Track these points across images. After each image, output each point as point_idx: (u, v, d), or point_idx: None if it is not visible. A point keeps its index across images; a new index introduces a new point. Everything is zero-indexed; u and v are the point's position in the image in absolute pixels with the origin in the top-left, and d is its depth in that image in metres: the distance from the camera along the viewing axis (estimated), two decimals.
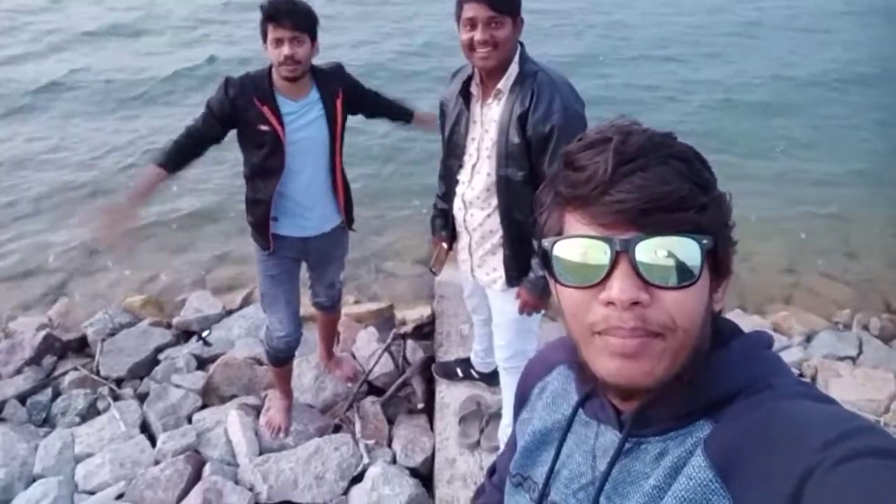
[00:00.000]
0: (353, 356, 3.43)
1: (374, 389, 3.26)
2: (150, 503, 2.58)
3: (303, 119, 2.40)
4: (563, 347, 0.91)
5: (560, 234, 0.69)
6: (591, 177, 0.65)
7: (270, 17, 2.21)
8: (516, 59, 2.00)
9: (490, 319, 2.51)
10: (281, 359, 2.78)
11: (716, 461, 0.63)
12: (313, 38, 2.31)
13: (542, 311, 2.29)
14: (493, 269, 2.26)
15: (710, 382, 0.68)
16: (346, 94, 2.47)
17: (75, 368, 3.36)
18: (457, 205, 2.26)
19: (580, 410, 0.81)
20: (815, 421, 0.60)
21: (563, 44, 9.39)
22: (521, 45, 2.04)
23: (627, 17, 11.11)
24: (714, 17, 11.30)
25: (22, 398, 3.16)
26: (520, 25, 1.97)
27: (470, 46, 1.92)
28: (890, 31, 10.94)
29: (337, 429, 3.00)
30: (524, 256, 2.15)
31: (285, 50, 2.23)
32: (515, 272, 2.20)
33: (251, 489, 2.62)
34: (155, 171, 2.33)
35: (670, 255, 0.63)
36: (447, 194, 2.33)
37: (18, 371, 3.33)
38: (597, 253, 0.65)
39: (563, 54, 8.38)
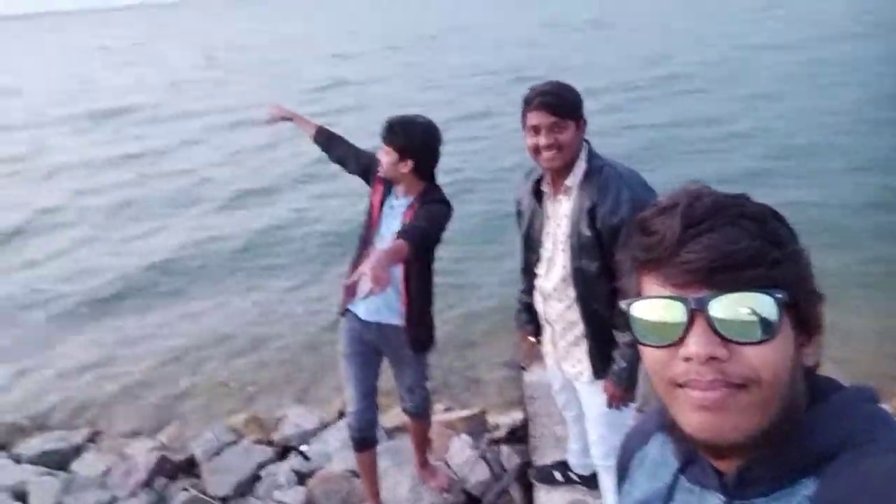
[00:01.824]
0: (447, 465, 3.40)
1: (471, 499, 3.20)
2: None
3: (392, 212, 2.66)
4: (657, 415, 0.92)
5: (637, 296, 0.73)
6: (661, 240, 0.69)
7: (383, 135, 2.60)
8: (583, 156, 2.13)
9: (582, 415, 2.49)
10: (356, 440, 2.87)
11: None
12: (411, 156, 2.59)
13: (634, 403, 2.25)
14: (578, 361, 2.28)
15: (810, 438, 0.68)
16: (418, 210, 2.60)
17: (185, 489, 3.49)
18: (536, 298, 2.36)
19: (681, 477, 0.81)
20: None
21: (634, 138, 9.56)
22: (587, 142, 2.17)
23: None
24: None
25: None
26: (583, 126, 2.12)
27: (536, 150, 2.09)
28: None
29: None
30: (608, 347, 2.17)
31: (384, 165, 2.60)
32: (601, 364, 2.21)
33: None
34: (314, 126, 3.06)
35: (744, 310, 0.65)
36: (529, 288, 2.42)
37: (133, 494, 3.49)
38: (672, 312, 0.68)
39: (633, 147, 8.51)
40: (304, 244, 7.36)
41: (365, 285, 2.11)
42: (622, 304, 0.74)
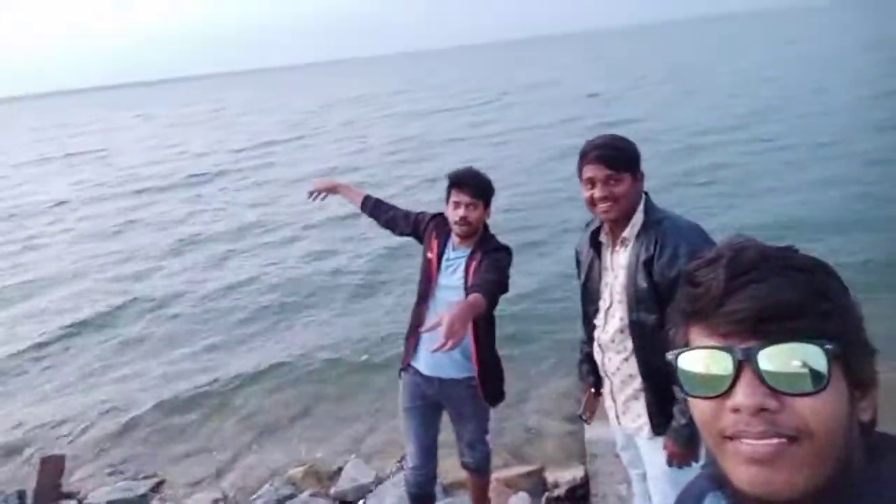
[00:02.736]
0: None
1: None
2: None
3: (452, 264, 2.69)
4: (709, 475, 0.90)
5: (685, 346, 0.73)
6: (707, 290, 0.69)
7: (454, 183, 2.64)
8: (641, 208, 2.12)
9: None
10: (414, 496, 2.86)
11: None
12: (487, 205, 2.68)
13: (697, 462, 2.15)
14: (638, 416, 2.21)
15: (866, 497, 0.66)
16: (480, 261, 2.61)
17: None
18: (595, 349, 2.32)
19: None
20: None
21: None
22: (646, 194, 2.15)
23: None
24: None
25: None
26: (640, 179, 2.11)
27: (591, 202, 2.09)
28: None
29: None
30: (667, 402, 2.11)
31: (461, 212, 2.60)
32: (660, 419, 2.15)
33: None
34: (361, 195, 3.11)
35: (793, 361, 0.65)
36: (589, 339, 2.39)
37: None
38: (719, 363, 0.67)
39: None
40: (364, 292, 7.46)
41: (436, 342, 2.12)
42: (669, 356, 0.73)
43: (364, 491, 3.83)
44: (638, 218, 2.11)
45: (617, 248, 2.18)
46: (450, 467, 3.84)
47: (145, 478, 4.47)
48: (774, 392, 0.65)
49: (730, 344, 0.67)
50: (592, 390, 2.48)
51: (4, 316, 8.00)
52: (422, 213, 2.93)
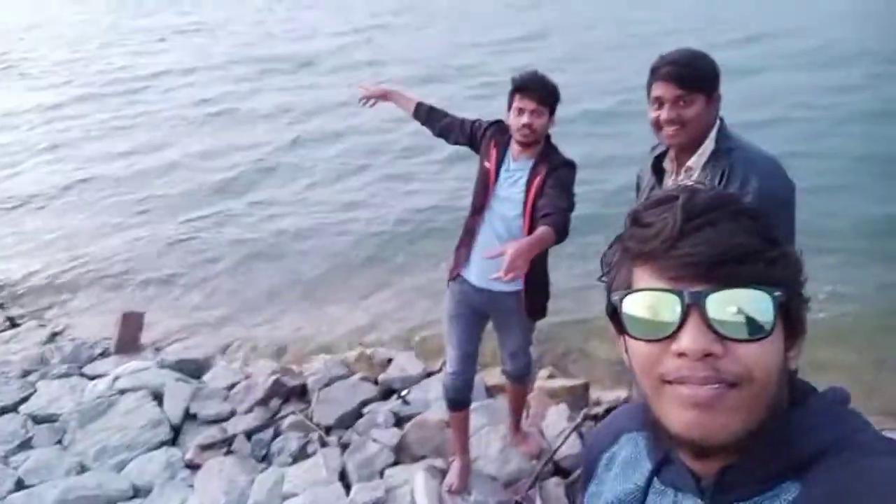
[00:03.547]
0: (542, 433, 3.38)
1: (559, 470, 3.17)
2: None
3: (512, 175, 2.60)
4: (628, 415, 0.91)
5: (629, 289, 0.70)
6: (659, 231, 0.67)
7: (519, 88, 2.50)
8: (713, 135, 1.91)
9: None
10: (451, 399, 2.90)
11: None
12: (552, 112, 2.55)
13: None
14: None
15: (792, 442, 0.67)
16: (546, 176, 2.52)
17: (294, 413, 3.75)
18: None
19: (655, 479, 0.79)
20: None
21: None
22: (721, 119, 1.95)
23: None
24: None
25: (249, 434, 3.59)
26: (716, 101, 1.90)
27: (657, 125, 1.90)
28: None
29: None
30: None
31: (525, 119, 2.48)
32: None
33: None
34: (413, 101, 2.99)
35: (742, 307, 0.64)
36: None
37: (250, 410, 3.81)
38: (667, 306, 0.66)
39: None
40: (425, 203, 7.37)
41: (494, 268, 2.16)
42: (613, 297, 0.72)
43: (410, 382, 3.97)
44: (708, 146, 1.90)
45: (681, 176, 1.98)
46: (496, 371, 3.92)
47: (215, 341, 4.81)
48: (720, 337, 0.64)
49: (679, 287, 0.66)
50: None
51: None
52: (477, 120, 2.81)
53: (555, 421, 3.43)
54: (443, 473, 3.14)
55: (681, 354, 0.65)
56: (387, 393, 3.95)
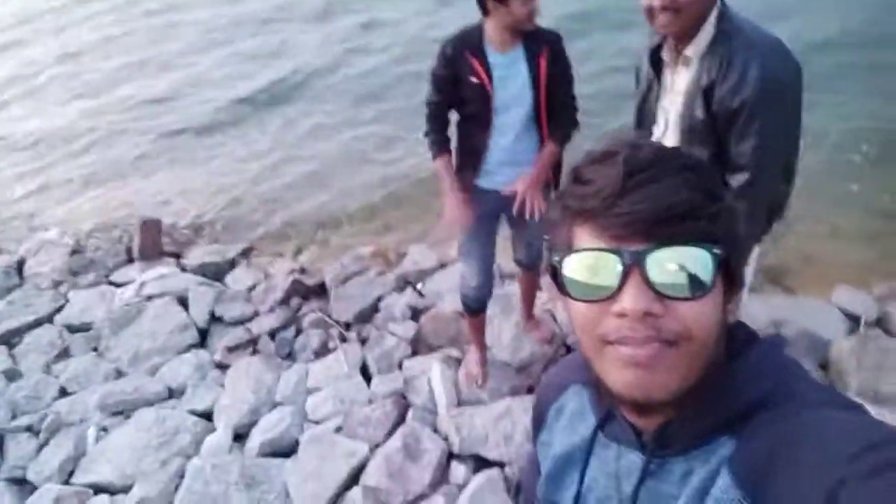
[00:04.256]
0: (553, 317, 3.44)
1: (571, 352, 3.24)
2: (362, 438, 2.91)
3: (508, 70, 2.44)
4: (575, 366, 0.91)
5: (569, 249, 0.69)
6: (600, 189, 0.65)
7: None
8: (712, 19, 1.75)
9: None
10: (472, 308, 2.92)
11: (742, 480, 0.63)
12: None
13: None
14: None
15: (728, 396, 0.68)
16: (550, 57, 2.42)
17: (314, 311, 3.86)
18: None
19: (599, 433, 0.81)
20: (843, 431, 0.60)
21: None
22: (723, 1, 1.78)
23: None
24: None
25: (272, 333, 3.73)
26: None
27: (650, 13, 1.74)
28: None
29: (531, 390, 3.07)
30: None
31: (535, 3, 2.31)
32: None
33: (445, 439, 2.83)
34: (445, 161, 2.59)
35: (682, 265, 0.63)
36: None
37: (272, 310, 3.93)
38: (607, 267, 0.65)
39: None
40: None
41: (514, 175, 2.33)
42: (553, 259, 0.70)
43: (424, 275, 4.03)
44: (707, 32, 1.74)
45: (679, 67, 1.85)
46: (503, 259, 3.94)
47: (236, 243, 4.89)
48: (660, 297, 0.63)
49: (619, 246, 0.64)
50: None
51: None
52: (432, 74, 2.52)
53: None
54: (458, 362, 3.26)
55: (621, 315, 0.64)
56: (402, 286, 4.02)
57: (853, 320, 3.20)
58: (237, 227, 5.21)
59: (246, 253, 4.78)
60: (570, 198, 0.69)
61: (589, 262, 0.66)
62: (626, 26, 6.32)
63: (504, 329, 3.36)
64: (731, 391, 0.68)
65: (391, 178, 5.52)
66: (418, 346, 3.47)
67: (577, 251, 0.68)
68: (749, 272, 2.11)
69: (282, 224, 5.21)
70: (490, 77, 2.42)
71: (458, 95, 2.51)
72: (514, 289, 3.63)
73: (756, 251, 2.05)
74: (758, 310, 3.06)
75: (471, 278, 2.83)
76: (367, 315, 3.78)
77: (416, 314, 3.71)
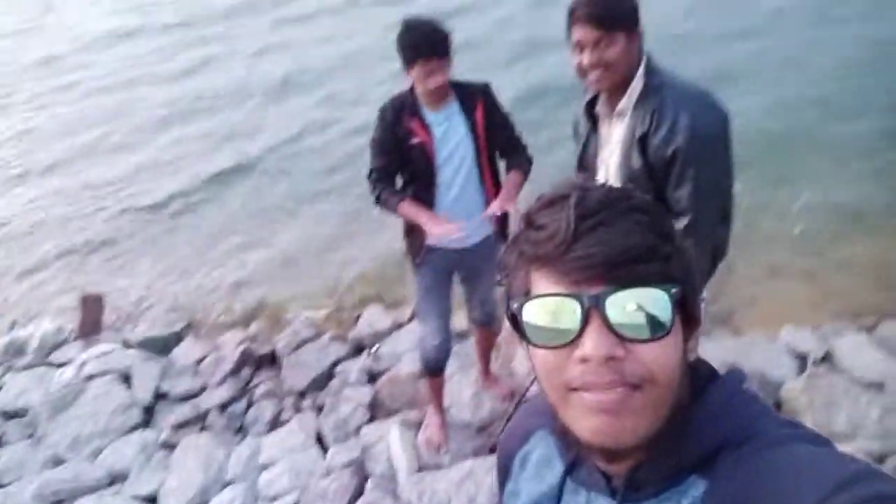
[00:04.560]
0: (512, 374, 3.41)
1: None
2: None
3: (446, 125, 2.50)
4: (539, 411, 0.88)
5: (528, 294, 0.68)
6: (553, 234, 0.65)
7: (420, 55, 2.34)
8: (640, 73, 1.84)
9: None
10: (432, 368, 2.88)
11: None
12: (450, 57, 2.42)
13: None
14: None
15: (695, 436, 0.67)
16: (485, 108, 2.50)
17: (265, 381, 3.74)
18: None
19: (567, 479, 0.79)
20: (815, 468, 0.59)
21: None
22: (648, 56, 1.87)
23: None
24: None
25: (222, 407, 3.58)
26: (638, 37, 1.82)
27: (581, 70, 1.82)
28: None
29: (493, 449, 3.00)
30: None
31: (439, 79, 2.37)
32: None
33: None
34: (408, 202, 2.55)
35: (641, 307, 0.63)
36: None
37: (221, 382, 3.78)
38: (566, 311, 0.64)
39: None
40: None
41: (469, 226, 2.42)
42: (512, 305, 0.69)
43: (380, 337, 3.96)
44: (636, 85, 1.83)
45: (613, 120, 1.93)
46: (459, 316, 3.92)
47: (180, 316, 4.73)
48: (622, 340, 0.63)
49: (577, 291, 0.64)
50: None
51: None
52: (375, 146, 2.58)
53: (524, 360, 3.45)
54: (418, 425, 3.18)
55: (584, 360, 0.63)
56: (358, 350, 3.94)
57: (801, 359, 3.26)
58: (185, 300, 5.06)
59: (193, 325, 4.63)
60: (525, 243, 0.68)
61: (548, 307, 0.66)
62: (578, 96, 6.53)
63: (463, 386, 3.31)
64: (697, 431, 0.67)
65: (346, 247, 5.49)
66: (376, 410, 3.38)
67: (535, 297, 0.67)
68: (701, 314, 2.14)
69: (232, 294, 5.08)
70: (431, 135, 2.47)
71: (400, 158, 2.54)
72: (470, 345, 3.60)
73: (704, 293, 2.10)
74: (708, 352, 3.09)
75: (430, 338, 2.80)
76: (322, 382, 3.68)
77: (372, 378, 3.63)
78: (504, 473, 0.92)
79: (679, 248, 0.68)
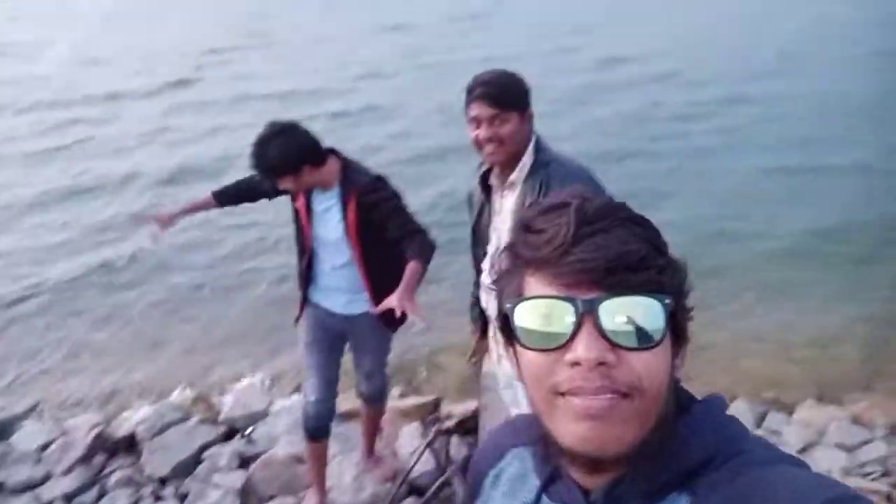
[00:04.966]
0: (395, 454, 3.32)
1: (415, 489, 3.12)
2: None
3: (325, 209, 2.56)
4: (515, 430, 0.88)
5: (521, 297, 0.68)
6: (552, 238, 0.65)
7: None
8: (530, 149, 2.01)
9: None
10: (310, 428, 2.76)
11: None
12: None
13: None
14: None
15: (679, 452, 0.67)
16: (359, 202, 2.50)
17: (122, 468, 3.38)
18: (481, 293, 2.28)
19: (543, 496, 0.77)
20: (801, 488, 0.60)
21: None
22: (538, 135, 2.05)
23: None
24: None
25: (68, 498, 3.18)
26: (529, 118, 2.00)
27: (478, 143, 1.97)
28: None
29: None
30: None
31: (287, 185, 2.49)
32: None
33: None
34: (208, 199, 2.89)
35: (634, 315, 0.63)
36: (478, 282, 2.34)
37: (69, 470, 3.37)
38: (560, 314, 0.64)
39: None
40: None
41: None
42: (505, 306, 0.69)
43: (255, 419, 3.74)
44: (526, 160, 2.01)
45: (505, 191, 2.09)
46: (344, 398, 3.80)
47: (23, 397, 4.22)
48: (613, 346, 0.63)
49: (571, 294, 0.64)
50: (479, 334, 2.45)
51: None
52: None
53: (408, 440, 3.39)
54: None
55: (574, 364, 0.63)
56: (230, 433, 3.68)
57: None
58: (28, 380, 4.53)
59: (38, 406, 4.14)
60: (522, 246, 0.69)
61: (541, 309, 0.66)
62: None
63: (345, 469, 3.17)
64: (681, 446, 0.67)
65: (208, 316, 5.23)
66: (248, 497, 3.14)
67: (529, 298, 0.67)
68: None
69: (81, 371, 4.62)
70: (309, 211, 2.56)
71: (272, 192, 2.70)
72: (353, 428, 3.49)
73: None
74: None
75: (310, 392, 2.73)
76: (188, 468, 3.38)
77: (245, 462, 3.38)
78: (474, 493, 0.90)
79: (672, 262, 0.69)
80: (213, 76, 13.02)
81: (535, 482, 0.79)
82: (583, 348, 0.62)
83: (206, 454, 3.46)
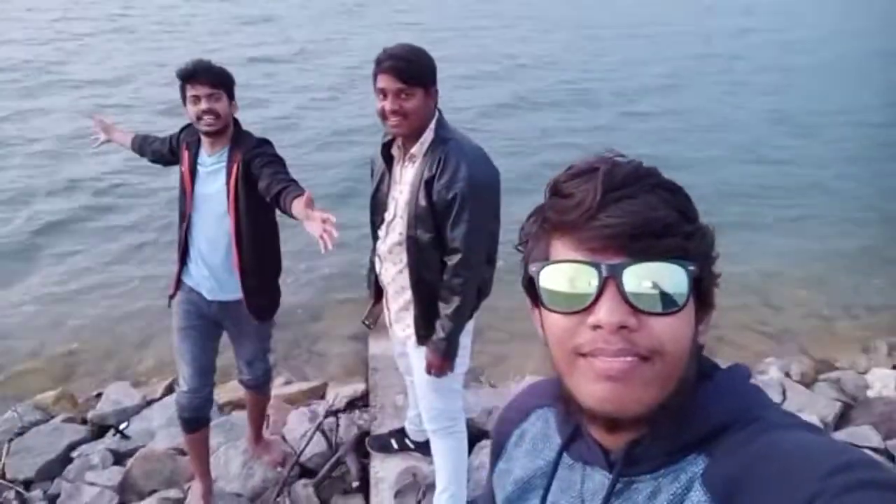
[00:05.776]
0: (284, 439, 3.29)
1: (306, 471, 3.11)
2: None
3: (210, 172, 2.48)
4: (538, 391, 0.91)
5: (546, 260, 0.70)
6: (580, 202, 0.66)
7: (186, 77, 2.37)
8: (432, 125, 2.09)
9: None
10: (186, 419, 2.66)
11: (717, 495, 0.63)
12: (231, 96, 2.43)
13: (452, 372, 2.30)
14: (408, 325, 2.31)
15: (698, 415, 0.68)
16: (243, 165, 2.43)
17: None
18: (375, 259, 2.34)
19: (564, 454, 0.79)
20: (815, 451, 0.61)
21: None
22: (440, 111, 2.14)
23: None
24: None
25: None
26: (434, 95, 2.08)
27: (383, 115, 2.02)
28: None
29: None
30: (433, 316, 2.20)
31: (203, 105, 2.36)
32: (424, 331, 2.24)
33: None
34: (128, 135, 2.90)
35: (658, 280, 0.64)
36: (374, 249, 2.39)
37: None
38: (584, 278, 0.65)
39: None
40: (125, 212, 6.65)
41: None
42: (531, 269, 0.70)
43: (129, 414, 3.55)
44: (428, 135, 2.09)
45: (406, 163, 2.16)
46: (226, 388, 3.71)
47: None
48: (635, 310, 0.64)
49: (597, 259, 0.65)
50: (374, 299, 2.50)
51: None
52: (170, 136, 2.70)
53: (297, 425, 3.36)
54: (179, 503, 2.88)
55: (596, 327, 0.64)
56: (100, 431, 3.47)
57: None
58: None
59: None
60: (550, 210, 0.69)
61: (566, 272, 0.67)
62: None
63: (231, 458, 3.09)
64: (701, 410, 0.68)
65: (76, 310, 4.86)
66: (127, 493, 2.98)
67: (554, 262, 0.68)
68: (466, 353, 2.38)
69: None
70: (193, 173, 2.49)
71: (169, 156, 2.69)
72: (238, 417, 3.41)
73: (471, 325, 2.34)
74: (471, 401, 3.35)
75: (183, 381, 2.63)
76: (56, 468, 3.16)
77: (120, 458, 3.21)
78: (497, 451, 0.92)
79: (701, 228, 0.69)
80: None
81: (557, 441, 0.81)
82: (605, 312, 0.63)
83: (75, 453, 3.25)
